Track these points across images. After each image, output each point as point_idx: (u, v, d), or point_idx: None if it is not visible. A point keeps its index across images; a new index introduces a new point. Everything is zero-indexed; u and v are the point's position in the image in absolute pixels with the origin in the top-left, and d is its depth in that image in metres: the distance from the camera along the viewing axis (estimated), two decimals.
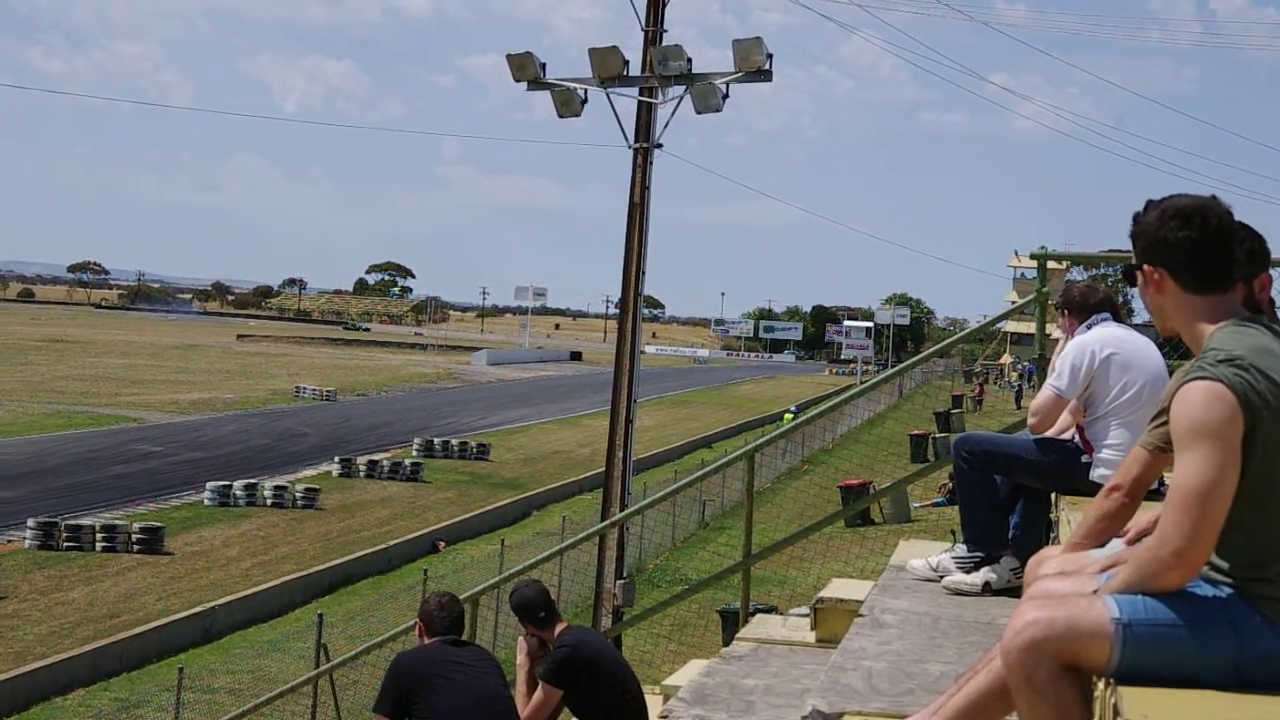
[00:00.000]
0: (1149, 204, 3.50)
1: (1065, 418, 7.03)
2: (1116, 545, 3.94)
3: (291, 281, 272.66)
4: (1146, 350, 6.49)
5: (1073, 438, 6.75)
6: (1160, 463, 3.61)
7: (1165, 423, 3.50)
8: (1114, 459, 6.37)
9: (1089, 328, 6.73)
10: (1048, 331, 9.97)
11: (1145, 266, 3.48)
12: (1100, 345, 6.53)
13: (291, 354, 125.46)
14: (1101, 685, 3.33)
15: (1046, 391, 6.71)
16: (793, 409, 64.69)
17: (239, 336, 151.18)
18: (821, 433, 53.68)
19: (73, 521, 35.42)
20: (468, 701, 7.20)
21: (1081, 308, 6.89)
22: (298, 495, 43.00)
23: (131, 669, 25.87)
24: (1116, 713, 3.07)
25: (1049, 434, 7.03)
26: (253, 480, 43.49)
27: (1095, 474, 6.48)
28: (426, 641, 7.61)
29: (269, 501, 42.17)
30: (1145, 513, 4.25)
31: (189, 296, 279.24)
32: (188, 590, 31.53)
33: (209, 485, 42.42)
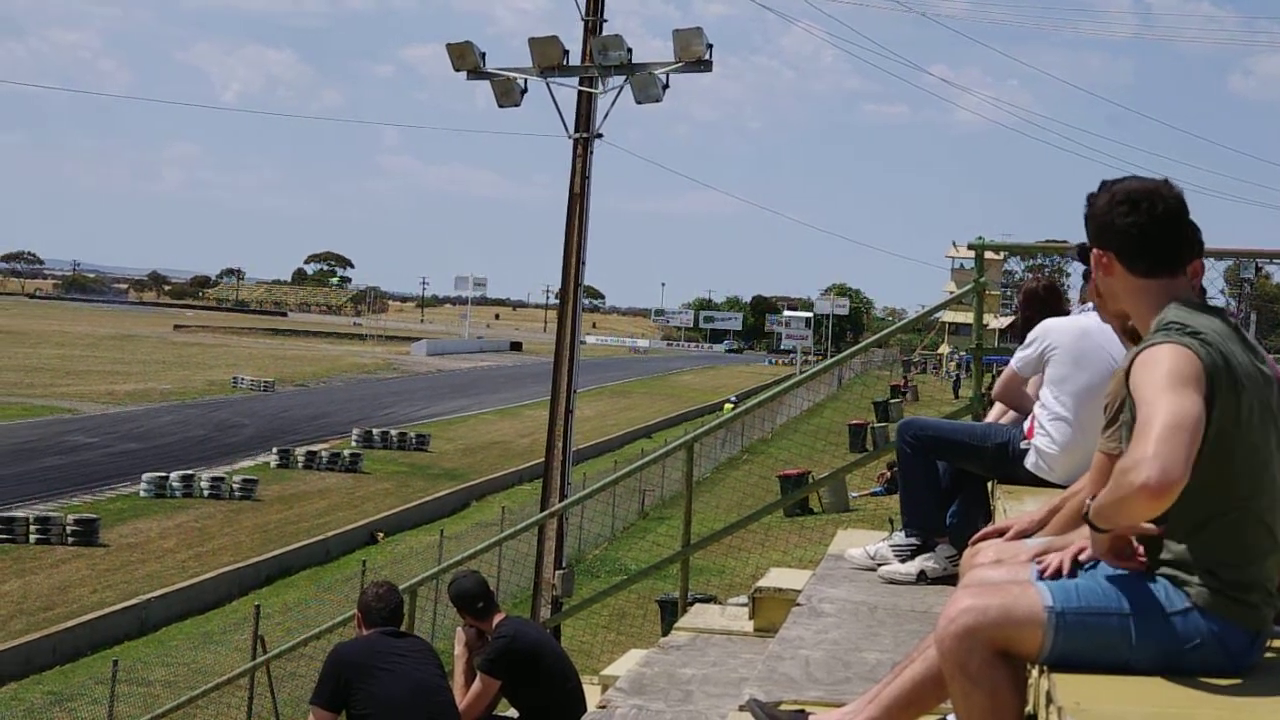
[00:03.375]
0: (1102, 185, 3.51)
1: (1002, 406, 7.08)
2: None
3: (229, 272, 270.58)
4: (1112, 348, 6.43)
5: (1018, 423, 6.79)
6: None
7: (1114, 418, 3.49)
8: (1047, 450, 6.40)
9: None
10: (985, 321, 10.02)
11: (1095, 250, 3.50)
12: (1055, 334, 6.49)
13: (229, 344, 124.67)
14: (1035, 672, 3.35)
15: (1010, 365, 6.79)
16: (732, 399, 64.81)
17: (175, 327, 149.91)
18: (760, 423, 53.82)
19: (5, 513, 35.06)
20: (405, 692, 7.17)
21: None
22: (235, 486, 42.72)
23: (64, 662, 25.64)
24: (1050, 699, 3.09)
25: (990, 418, 7.09)
26: (189, 471, 43.15)
27: (1028, 462, 6.50)
28: (364, 632, 7.58)
29: (206, 493, 41.88)
30: (1039, 508, 4.30)
31: (125, 286, 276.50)
32: (123, 582, 31.28)
33: (145, 476, 42.04)
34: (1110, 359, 6.27)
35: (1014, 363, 6.73)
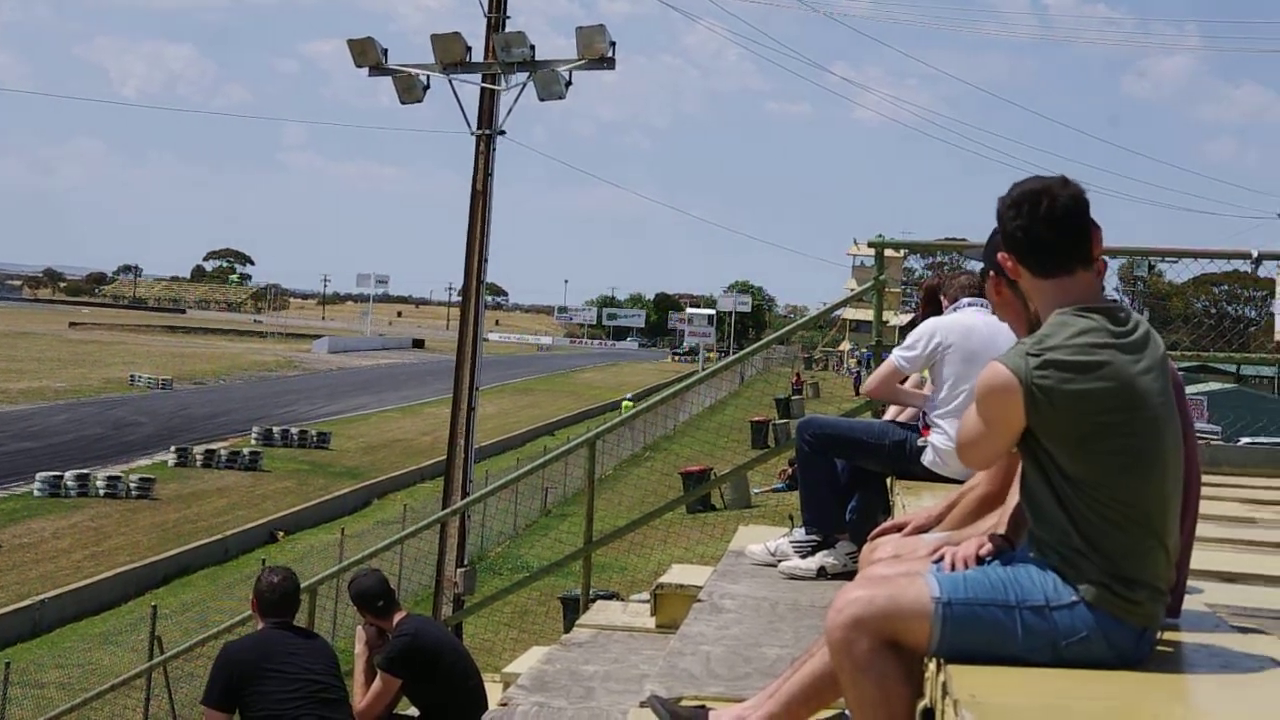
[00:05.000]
0: (1011, 187, 3.55)
1: (906, 401, 7.14)
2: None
3: (126, 268, 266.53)
4: (999, 343, 6.47)
5: (915, 419, 6.87)
6: (1015, 460, 3.66)
7: None
8: (943, 447, 6.50)
9: (955, 310, 6.83)
10: (885, 318, 10.11)
11: (1000, 255, 3.54)
12: (945, 333, 6.60)
13: (126, 342, 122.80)
14: (932, 666, 3.39)
15: (890, 360, 6.85)
16: (629, 397, 64.77)
17: (71, 324, 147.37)
18: (663, 419, 53.90)
19: None
20: (298, 691, 7.11)
21: (950, 288, 7.01)
22: (132, 485, 42.17)
23: None
24: (945, 692, 3.12)
25: (888, 417, 7.16)
26: (85, 470, 42.53)
27: (925, 459, 6.60)
28: (259, 623, 7.51)
29: (102, 492, 41.29)
30: (937, 503, 4.36)
31: (19, 283, 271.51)
32: (15, 584, 30.77)
33: (39, 475, 41.37)
34: (999, 351, 6.34)
35: (897, 361, 6.79)
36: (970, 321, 6.64)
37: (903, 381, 6.99)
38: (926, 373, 6.95)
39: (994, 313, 3.99)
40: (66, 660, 25.31)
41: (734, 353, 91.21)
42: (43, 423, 58.30)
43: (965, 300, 6.84)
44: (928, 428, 6.71)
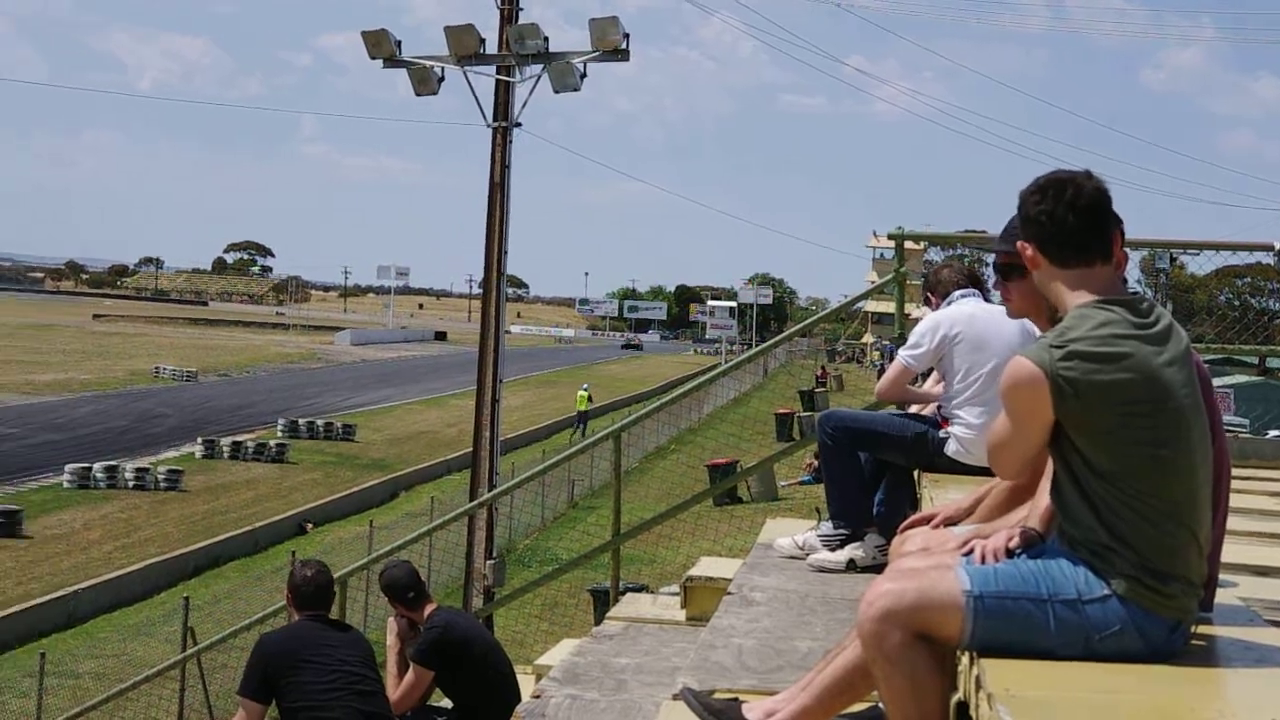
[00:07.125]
0: (1033, 180, 3.59)
1: (917, 399, 7.19)
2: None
3: (148, 260, 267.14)
4: (1003, 328, 6.44)
5: (935, 414, 6.91)
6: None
7: None
8: (965, 435, 6.54)
9: (949, 304, 6.88)
10: (907, 311, 10.15)
11: (1020, 243, 3.57)
12: (950, 324, 6.66)
13: (149, 334, 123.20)
14: (966, 659, 3.43)
15: (898, 361, 6.91)
16: (585, 387, 64.44)
17: (95, 316, 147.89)
18: (687, 412, 53.90)
19: None
20: (335, 682, 7.16)
21: (939, 285, 7.07)
22: (160, 477, 42.36)
23: None
24: (979, 685, 3.15)
25: (913, 410, 7.20)
26: (113, 462, 42.72)
27: (949, 449, 6.64)
28: (294, 615, 7.57)
29: (131, 484, 41.48)
30: (966, 495, 4.42)
31: (41, 276, 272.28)
32: (48, 574, 30.97)
33: (68, 467, 41.62)
34: (1005, 336, 6.39)
35: (905, 360, 6.83)
36: (970, 310, 6.72)
37: (913, 381, 7.06)
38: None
39: (1003, 304, 4.05)
40: (101, 651, 25.46)
41: (755, 345, 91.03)
42: (68, 415, 58.59)
43: (958, 293, 6.92)
44: (946, 420, 6.74)
